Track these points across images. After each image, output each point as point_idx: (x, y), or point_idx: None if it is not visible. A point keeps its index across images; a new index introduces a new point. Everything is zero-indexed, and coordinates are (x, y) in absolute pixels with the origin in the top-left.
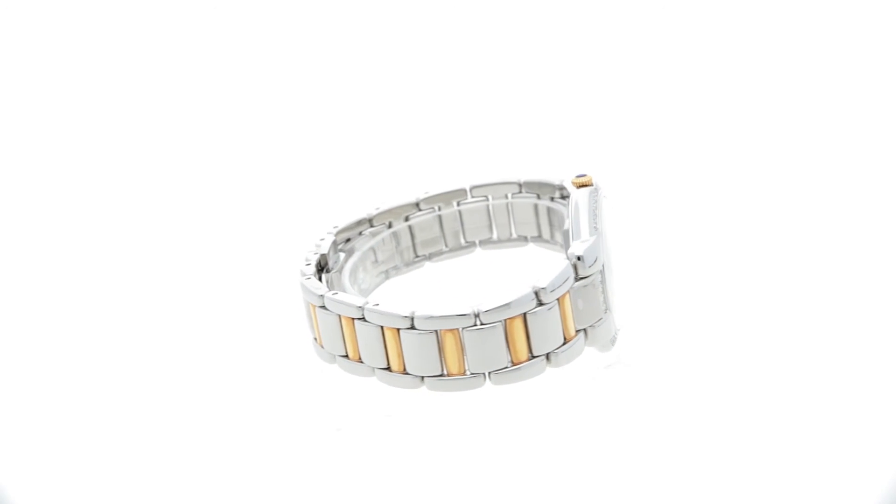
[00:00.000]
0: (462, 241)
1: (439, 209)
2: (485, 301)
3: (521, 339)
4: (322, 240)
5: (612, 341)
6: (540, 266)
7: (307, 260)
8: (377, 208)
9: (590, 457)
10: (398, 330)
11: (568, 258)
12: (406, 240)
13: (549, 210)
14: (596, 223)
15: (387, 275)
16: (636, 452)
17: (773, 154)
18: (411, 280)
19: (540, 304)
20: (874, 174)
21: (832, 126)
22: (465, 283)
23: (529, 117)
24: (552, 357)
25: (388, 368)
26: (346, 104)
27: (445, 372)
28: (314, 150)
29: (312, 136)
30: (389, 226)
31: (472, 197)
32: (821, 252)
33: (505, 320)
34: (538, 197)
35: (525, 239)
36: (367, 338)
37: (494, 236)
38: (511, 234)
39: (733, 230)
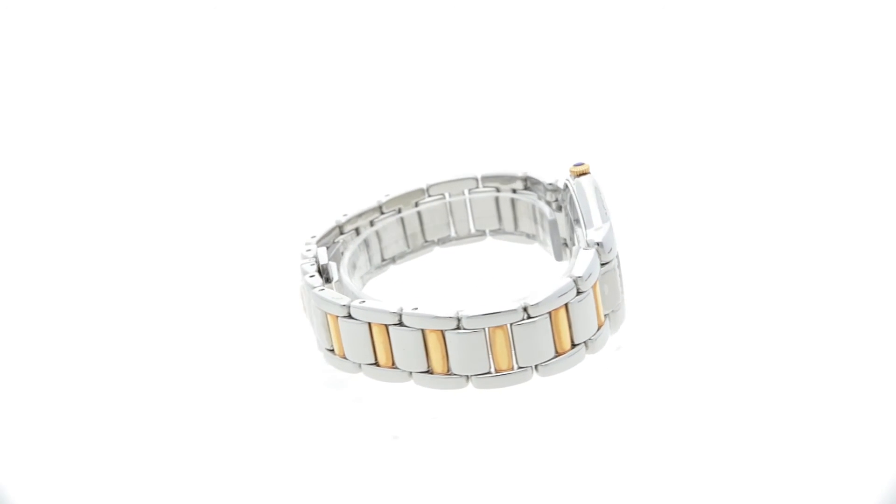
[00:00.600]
0: (422, 241)
1: (400, 211)
2: (531, 295)
3: (566, 330)
4: (308, 250)
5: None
6: (506, 259)
7: (305, 271)
8: (345, 215)
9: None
10: (443, 332)
11: (588, 245)
12: (374, 244)
13: (512, 202)
14: (606, 209)
15: (363, 280)
16: (639, 447)
17: (768, 151)
18: (390, 282)
19: (579, 292)
20: (874, 173)
21: (832, 125)
22: (444, 280)
23: (521, 114)
24: (589, 344)
25: (430, 371)
26: (323, 104)
27: (493, 369)
28: (283, 153)
29: (278, 139)
30: (357, 232)
31: (430, 196)
32: (819, 250)
33: (550, 313)
34: (497, 190)
35: (483, 233)
36: (404, 342)
37: (453, 233)
38: (470, 230)
39: (728, 225)
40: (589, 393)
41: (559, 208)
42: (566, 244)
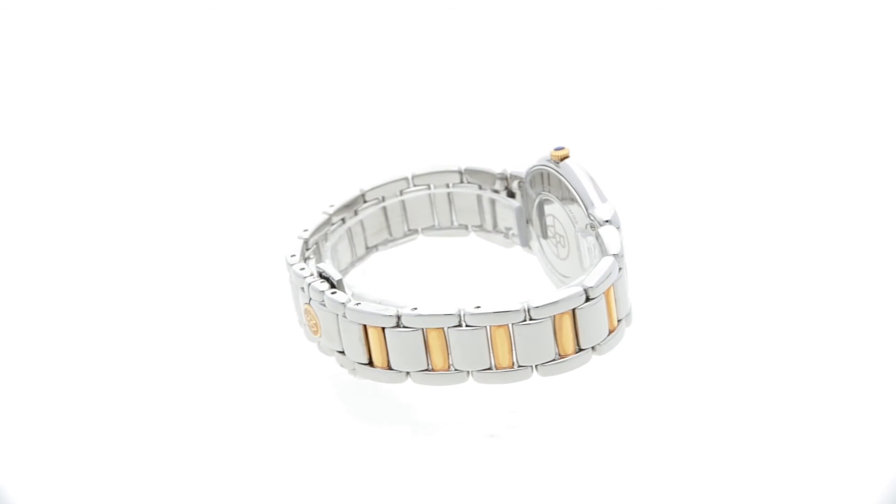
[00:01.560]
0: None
1: (383, 199)
2: (589, 278)
3: (613, 306)
4: (308, 248)
5: None
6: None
7: (314, 275)
8: (332, 206)
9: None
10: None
11: (598, 223)
12: (359, 233)
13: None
14: (600, 189)
15: (345, 272)
16: (640, 448)
17: (759, 151)
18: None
19: (588, 299)
20: (873, 173)
21: (831, 125)
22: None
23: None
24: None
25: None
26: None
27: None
28: (264, 147)
29: (258, 133)
30: (343, 221)
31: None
32: (816, 250)
33: (605, 293)
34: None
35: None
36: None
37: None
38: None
39: (727, 225)
40: (590, 394)
41: (511, 195)
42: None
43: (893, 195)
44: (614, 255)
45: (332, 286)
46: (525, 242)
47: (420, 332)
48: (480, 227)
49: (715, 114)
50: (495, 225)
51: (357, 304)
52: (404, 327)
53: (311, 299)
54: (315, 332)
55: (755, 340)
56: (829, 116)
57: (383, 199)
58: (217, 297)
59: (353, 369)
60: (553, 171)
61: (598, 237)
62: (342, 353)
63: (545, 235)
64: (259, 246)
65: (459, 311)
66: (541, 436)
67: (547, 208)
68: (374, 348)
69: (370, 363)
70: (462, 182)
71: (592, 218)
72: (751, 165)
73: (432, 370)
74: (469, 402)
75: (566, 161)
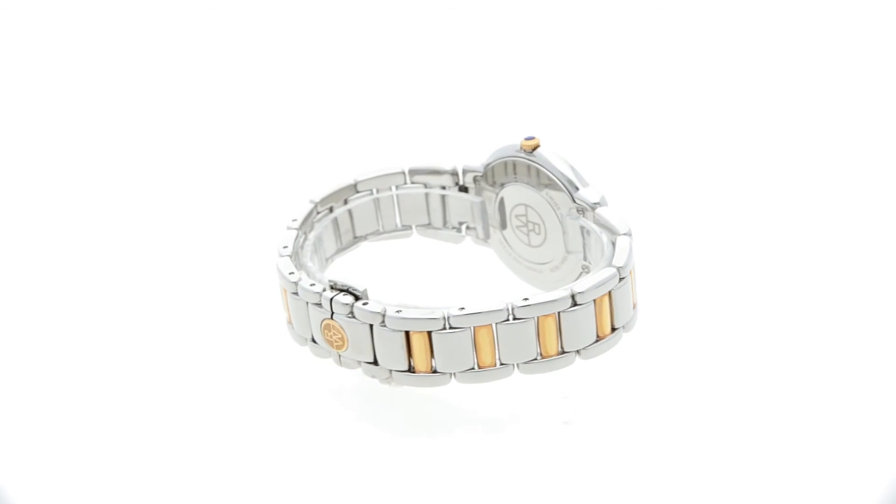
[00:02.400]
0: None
1: (331, 210)
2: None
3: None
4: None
5: None
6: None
7: (328, 288)
8: (294, 220)
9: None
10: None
11: (587, 207)
12: (308, 246)
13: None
14: (579, 174)
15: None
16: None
17: (759, 151)
18: None
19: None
20: (872, 175)
21: (827, 126)
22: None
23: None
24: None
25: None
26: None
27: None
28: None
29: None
30: (306, 234)
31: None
32: (817, 250)
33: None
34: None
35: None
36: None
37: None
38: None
39: (724, 225)
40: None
41: (463, 189)
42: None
43: (892, 196)
44: (618, 267)
45: (357, 297)
46: (486, 235)
47: (469, 330)
48: (428, 225)
49: (707, 113)
50: (445, 222)
51: (398, 311)
52: (452, 328)
53: (333, 314)
54: (339, 347)
55: (754, 341)
56: (827, 116)
57: (331, 210)
58: (203, 293)
59: (388, 378)
60: (523, 161)
61: (602, 229)
62: (373, 363)
63: (504, 226)
64: (237, 241)
65: (509, 305)
66: (539, 434)
67: (513, 198)
68: (418, 354)
69: (410, 370)
70: (407, 183)
71: (580, 201)
72: (745, 165)
73: (479, 368)
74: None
75: (541, 149)
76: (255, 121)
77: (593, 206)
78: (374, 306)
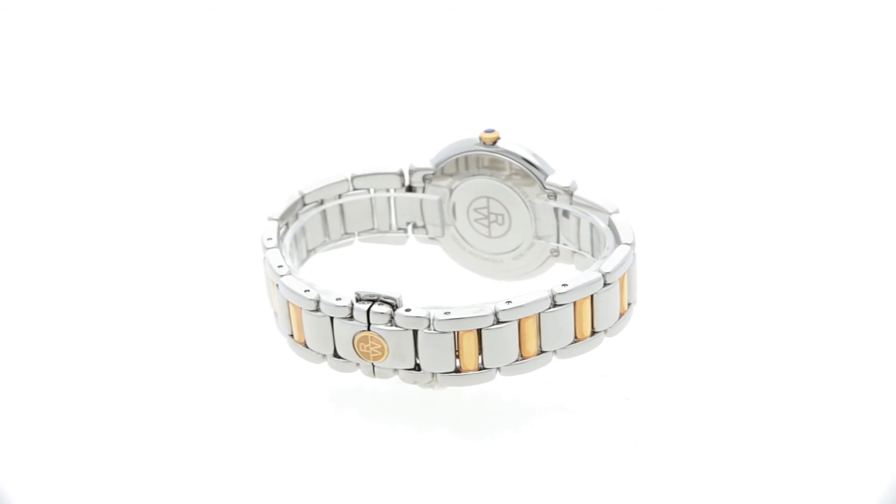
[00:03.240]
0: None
1: (287, 226)
2: (561, 287)
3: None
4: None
5: None
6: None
7: (356, 301)
8: (270, 239)
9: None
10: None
11: (561, 191)
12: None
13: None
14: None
15: None
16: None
17: (750, 151)
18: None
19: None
20: (867, 172)
21: (824, 126)
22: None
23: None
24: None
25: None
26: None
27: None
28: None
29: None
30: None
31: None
32: (812, 250)
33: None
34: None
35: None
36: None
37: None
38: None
39: (719, 226)
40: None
41: (410, 189)
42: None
43: (887, 194)
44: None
45: (393, 305)
46: (441, 232)
47: (515, 323)
48: (372, 230)
49: (694, 112)
50: (391, 225)
51: (446, 313)
52: (500, 323)
53: (370, 325)
54: (377, 357)
55: (752, 341)
56: (818, 114)
57: (287, 226)
58: (184, 287)
59: (430, 382)
60: (484, 154)
61: (585, 210)
62: (414, 369)
63: (460, 221)
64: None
65: (551, 291)
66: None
67: (470, 192)
68: (467, 353)
69: (457, 370)
70: (351, 190)
71: (551, 186)
72: (737, 164)
73: (522, 359)
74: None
75: (502, 140)
76: (225, 122)
77: (566, 190)
78: (418, 311)
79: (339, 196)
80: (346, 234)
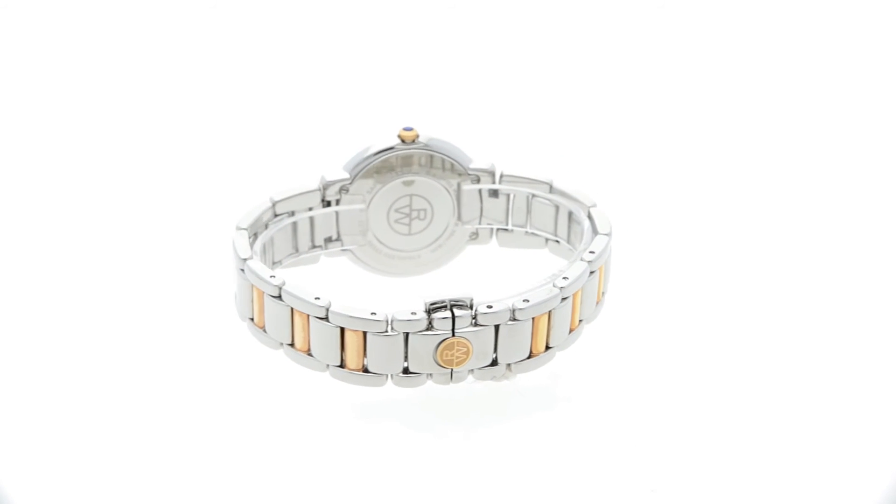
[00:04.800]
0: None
1: (255, 236)
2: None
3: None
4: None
5: None
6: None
7: (426, 310)
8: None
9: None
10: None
11: (487, 172)
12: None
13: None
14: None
15: None
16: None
17: (738, 153)
18: None
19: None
20: (868, 181)
21: (811, 129)
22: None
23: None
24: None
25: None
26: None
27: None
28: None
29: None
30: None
31: (277, 215)
32: (801, 256)
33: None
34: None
35: (280, 263)
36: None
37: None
38: (272, 262)
39: (714, 227)
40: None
41: (328, 204)
42: None
43: (866, 197)
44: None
45: (469, 306)
46: (353, 242)
47: (570, 299)
48: (295, 252)
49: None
50: (312, 245)
51: (525, 300)
52: (563, 300)
53: (454, 331)
54: (461, 362)
55: (737, 340)
56: (801, 117)
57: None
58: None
59: (504, 373)
60: (404, 153)
61: (517, 185)
62: (493, 364)
63: (378, 225)
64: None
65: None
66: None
67: (390, 195)
68: (539, 336)
69: (530, 356)
70: (275, 217)
71: (475, 172)
72: (724, 167)
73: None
74: None
75: (421, 136)
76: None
77: (490, 172)
78: (499, 306)
79: (266, 225)
80: (275, 262)
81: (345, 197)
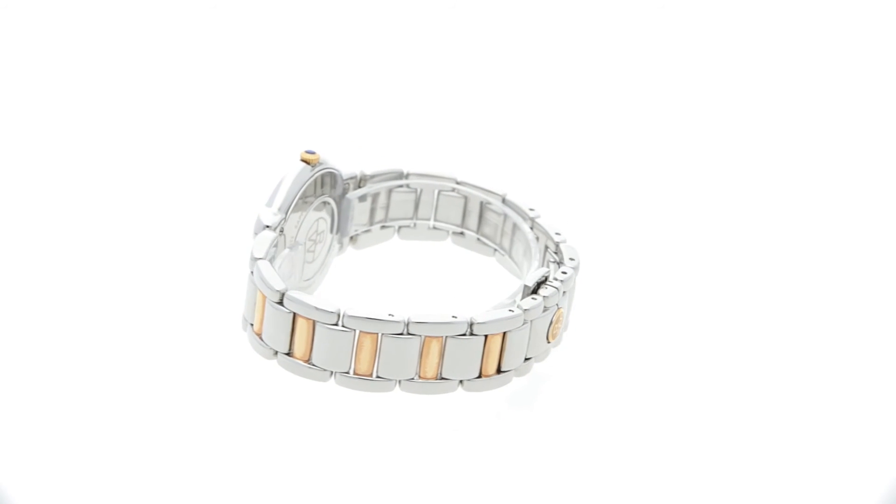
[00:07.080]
0: None
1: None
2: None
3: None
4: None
5: None
6: None
7: (521, 296)
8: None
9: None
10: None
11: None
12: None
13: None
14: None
15: None
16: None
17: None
18: None
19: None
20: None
21: (799, 134)
22: None
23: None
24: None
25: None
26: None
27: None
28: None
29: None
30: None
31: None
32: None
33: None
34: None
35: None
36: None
37: None
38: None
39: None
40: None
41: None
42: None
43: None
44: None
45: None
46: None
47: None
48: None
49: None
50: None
51: (571, 259)
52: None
53: (558, 304)
54: (557, 331)
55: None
56: (787, 122)
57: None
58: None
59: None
60: (311, 181)
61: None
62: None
63: (303, 252)
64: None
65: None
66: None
67: (305, 227)
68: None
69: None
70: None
71: (347, 179)
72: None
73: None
74: None
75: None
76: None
77: (362, 174)
78: (570, 264)
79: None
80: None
81: (280, 239)
